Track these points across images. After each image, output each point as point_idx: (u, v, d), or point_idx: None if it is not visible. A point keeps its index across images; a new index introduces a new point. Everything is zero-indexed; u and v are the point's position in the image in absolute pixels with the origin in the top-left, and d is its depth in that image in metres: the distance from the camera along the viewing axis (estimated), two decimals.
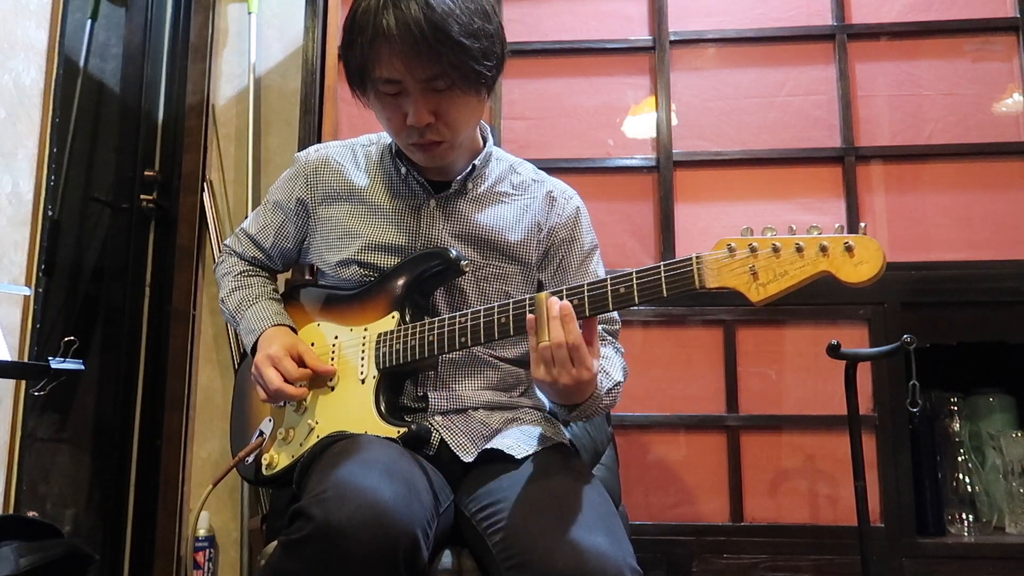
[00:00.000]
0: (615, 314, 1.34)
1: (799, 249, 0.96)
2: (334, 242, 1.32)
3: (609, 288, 1.07)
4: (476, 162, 1.32)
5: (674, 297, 1.04)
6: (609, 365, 1.24)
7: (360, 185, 1.33)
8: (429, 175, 1.31)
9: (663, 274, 1.04)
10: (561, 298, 1.09)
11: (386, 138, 1.37)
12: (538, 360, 1.06)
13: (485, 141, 1.36)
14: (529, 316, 1.07)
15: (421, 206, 1.31)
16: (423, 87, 1.16)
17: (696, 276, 1.01)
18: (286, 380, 1.21)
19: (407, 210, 1.31)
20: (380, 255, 1.28)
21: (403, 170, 1.31)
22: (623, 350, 1.35)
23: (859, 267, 0.93)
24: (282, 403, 1.28)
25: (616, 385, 1.22)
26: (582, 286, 1.09)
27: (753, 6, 2.03)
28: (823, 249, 0.95)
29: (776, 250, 0.97)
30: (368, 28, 1.14)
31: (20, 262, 1.77)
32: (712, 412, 1.87)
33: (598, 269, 1.37)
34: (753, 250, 0.98)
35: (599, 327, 1.30)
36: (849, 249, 0.94)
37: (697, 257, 1.02)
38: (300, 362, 1.23)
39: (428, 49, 1.11)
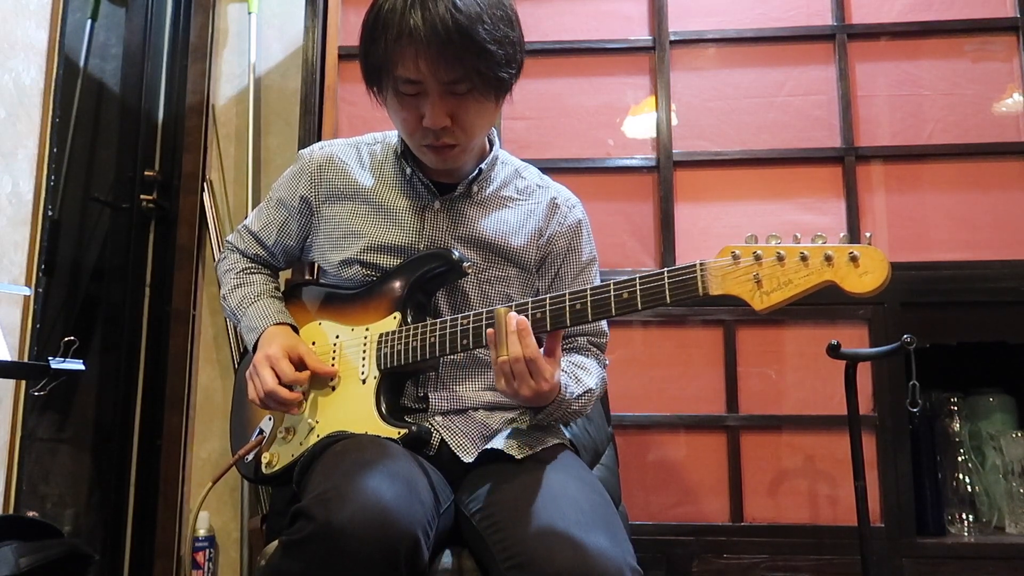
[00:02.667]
0: (603, 326, 1.35)
1: (804, 258, 0.96)
2: (337, 241, 1.32)
3: (612, 293, 1.07)
4: (483, 165, 1.31)
5: (677, 303, 1.04)
6: (584, 373, 1.26)
7: (364, 184, 1.33)
8: (434, 176, 1.31)
9: (667, 281, 1.04)
10: (564, 302, 1.10)
11: (392, 137, 1.37)
12: (499, 373, 1.08)
13: (491, 144, 1.36)
14: (489, 331, 1.09)
15: (425, 207, 1.30)
16: (443, 89, 1.15)
17: (700, 283, 1.02)
18: (281, 382, 1.20)
19: (411, 211, 1.30)
20: (382, 255, 1.28)
21: (408, 171, 1.30)
22: (607, 362, 1.36)
23: (864, 277, 0.93)
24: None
25: (587, 392, 1.23)
26: (585, 290, 1.09)
27: (753, 6, 2.03)
28: (828, 259, 0.95)
29: (780, 259, 0.97)
30: (394, 26, 1.13)
31: (20, 262, 1.77)
32: (712, 412, 1.87)
33: (595, 282, 1.35)
34: (757, 258, 0.98)
35: (583, 339, 1.33)
36: (854, 259, 0.93)
37: (701, 264, 1.02)
38: (300, 363, 1.23)
39: (454, 52, 1.11)
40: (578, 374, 1.24)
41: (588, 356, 1.32)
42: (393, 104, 1.21)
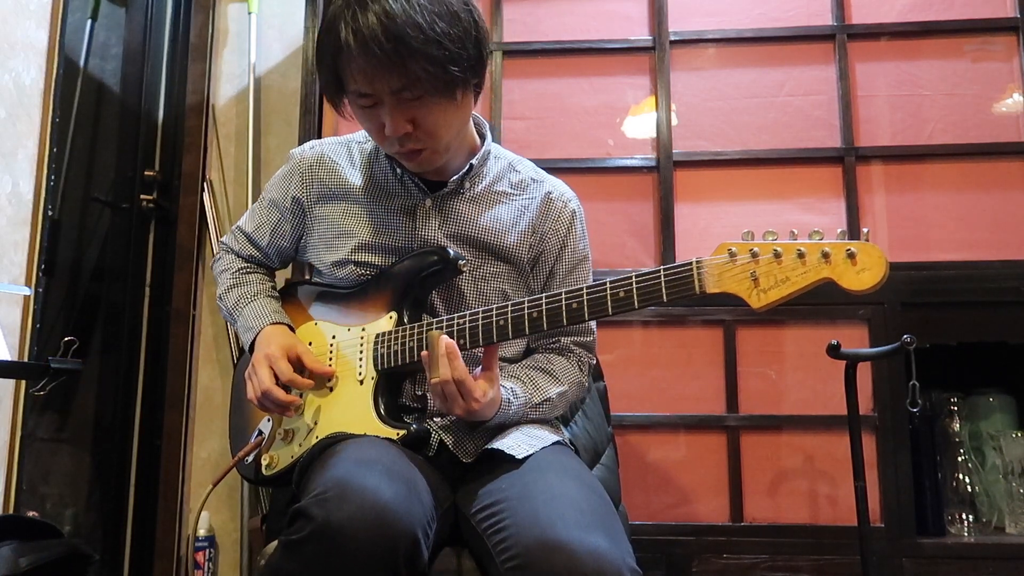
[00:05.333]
0: (592, 325, 1.34)
1: (801, 255, 0.95)
2: (330, 241, 1.32)
3: (608, 292, 1.07)
4: (473, 161, 1.30)
5: (674, 302, 1.04)
6: (546, 379, 1.26)
7: (355, 183, 1.32)
8: (425, 174, 1.29)
9: (663, 279, 1.03)
10: (560, 301, 1.10)
11: None
12: (433, 392, 1.12)
13: (483, 138, 1.34)
14: (423, 353, 1.11)
15: (416, 206, 1.29)
16: (394, 98, 1.14)
17: (696, 281, 1.01)
18: (279, 382, 1.20)
19: (402, 209, 1.29)
20: (375, 255, 1.28)
21: (399, 170, 1.29)
22: (591, 362, 1.36)
23: (861, 274, 0.93)
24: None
25: (546, 400, 1.24)
26: (581, 289, 1.09)
27: (753, 6, 2.03)
28: (825, 256, 0.94)
29: (778, 256, 0.96)
30: (331, 44, 1.13)
31: (20, 262, 1.77)
32: (712, 412, 1.87)
33: (587, 280, 1.34)
34: (754, 255, 0.98)
35: (567, 339, 1.32)
36: (851, 256, 0.93)
37: (698, 262, 1.01)
38: (298, 363, 1.22)
39: (389, 62, 1.09)
40: (538, 381, 1.25)
41: (569, 358, 1.31)
42: (356, 116, 1.21)
